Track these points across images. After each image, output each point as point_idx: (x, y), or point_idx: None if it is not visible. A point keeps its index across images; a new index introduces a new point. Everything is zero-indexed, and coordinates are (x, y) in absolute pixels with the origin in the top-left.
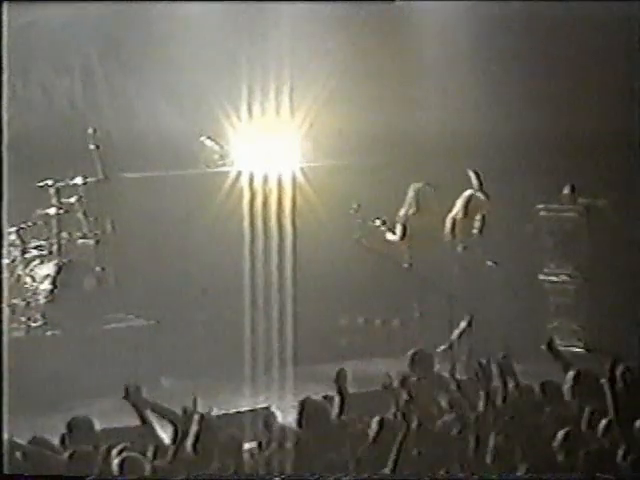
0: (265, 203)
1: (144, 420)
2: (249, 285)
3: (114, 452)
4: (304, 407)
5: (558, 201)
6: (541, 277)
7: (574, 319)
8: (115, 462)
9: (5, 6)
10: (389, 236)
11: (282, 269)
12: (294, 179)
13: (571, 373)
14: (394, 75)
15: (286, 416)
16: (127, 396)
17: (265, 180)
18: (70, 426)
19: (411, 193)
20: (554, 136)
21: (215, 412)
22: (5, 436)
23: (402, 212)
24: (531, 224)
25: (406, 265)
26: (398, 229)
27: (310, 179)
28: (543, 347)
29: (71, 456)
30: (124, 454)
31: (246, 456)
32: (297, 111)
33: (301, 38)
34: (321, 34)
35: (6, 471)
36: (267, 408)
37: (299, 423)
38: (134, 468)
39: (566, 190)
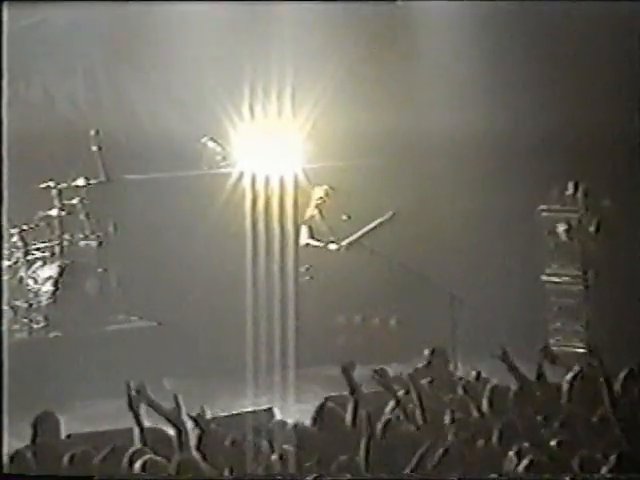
0: (267, 204)
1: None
2: (251, 286)
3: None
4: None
5: (561, 201)
6: (544, 278)
7: (576, 320)
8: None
9: (6, 7)
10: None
11: (284, 269)
12: (296, 180)
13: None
14: (396, 76)
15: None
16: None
17: (267, 181)
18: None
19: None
20: (557, 136)
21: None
22: (5, 436)
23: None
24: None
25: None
26: (303, 231)
27: (312, 180)
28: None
29: (72, 458)
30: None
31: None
32: (299, 112)
33: (303, 39)
34: (323, 35)
35: (6, 471)
36: (269, 409)
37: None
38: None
39: (569, 190)
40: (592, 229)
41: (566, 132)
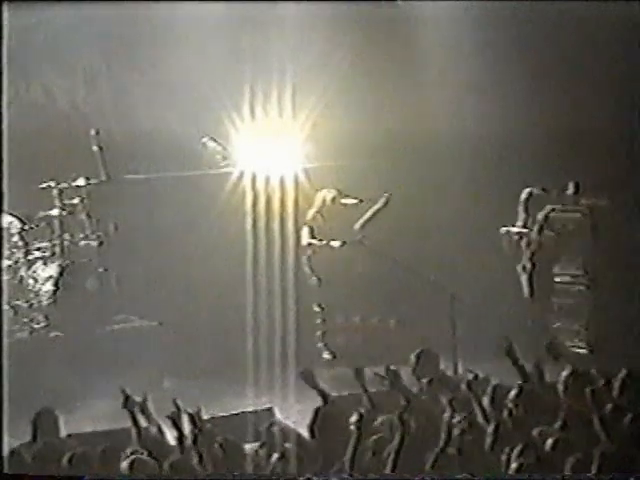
0: (267, 204)
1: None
2: (251, 286)
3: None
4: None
5: (561, 202)
6: None
7: (577, 320)
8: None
9: (6, 7)
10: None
11: (284, 269)
12: (296, 180)
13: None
14: (396, 76)
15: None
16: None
17: (267, 181)
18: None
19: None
20: (557, 136)
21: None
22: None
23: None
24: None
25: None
26: (305, 232)
27: (312, 180)
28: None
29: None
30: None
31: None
32: (299, 112)
33: (304, 39)
34: (324, 35)
35: (6, 471)
36: (269, 409)
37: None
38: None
39: (569, 190)
40: (591, 229)
41: (566, 132)
